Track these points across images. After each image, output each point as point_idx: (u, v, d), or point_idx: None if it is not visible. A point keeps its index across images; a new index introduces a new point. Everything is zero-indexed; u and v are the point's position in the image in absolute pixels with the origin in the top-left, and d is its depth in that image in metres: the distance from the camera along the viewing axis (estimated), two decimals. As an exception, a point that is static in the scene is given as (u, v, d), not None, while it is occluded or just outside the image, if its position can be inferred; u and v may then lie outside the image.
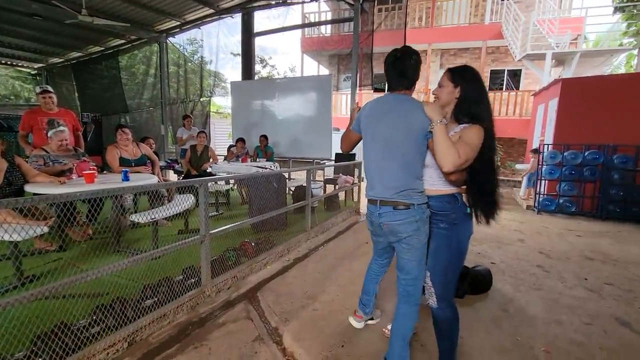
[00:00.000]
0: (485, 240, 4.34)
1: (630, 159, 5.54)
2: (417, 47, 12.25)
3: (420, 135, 1.51)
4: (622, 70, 12.05)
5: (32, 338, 1.65)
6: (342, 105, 12.33)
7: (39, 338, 1.64)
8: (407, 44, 1.67)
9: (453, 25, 11.68)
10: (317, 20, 12.03)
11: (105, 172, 4.34)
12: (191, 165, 5.37)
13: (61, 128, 3.35)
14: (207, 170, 5.28)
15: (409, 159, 1.54)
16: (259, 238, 3.41)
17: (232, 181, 6.00)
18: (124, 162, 3.89)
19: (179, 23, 7.93)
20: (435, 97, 1.63)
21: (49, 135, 3.32)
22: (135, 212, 3.52)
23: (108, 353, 1.76)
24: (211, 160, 5.43)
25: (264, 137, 6.37)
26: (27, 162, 3.17)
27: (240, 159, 5.88)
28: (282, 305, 2.46)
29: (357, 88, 6.36)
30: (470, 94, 1.50)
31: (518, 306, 2.56)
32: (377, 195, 1.63)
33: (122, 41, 8.97)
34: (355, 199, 5.88)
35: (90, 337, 1.77)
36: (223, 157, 6.80)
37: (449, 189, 1.57)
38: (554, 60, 9.50)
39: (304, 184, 4.26)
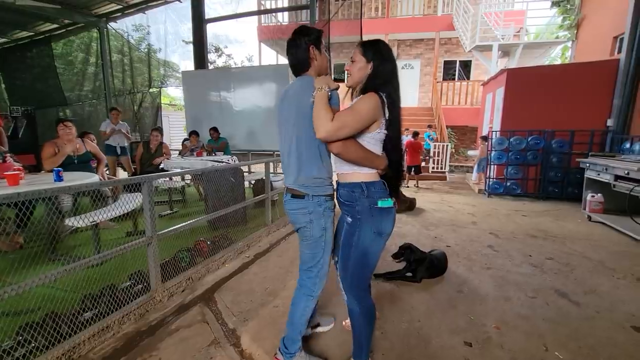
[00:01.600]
0: (441, 224, 4.52)
1: (566, 143, 6.05)
2: (374, 36, 12.44)
3: (310, 111, 1.39)
4: (559, 62, 13.11)
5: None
6: (302, 95, 12.15)
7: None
8: (306, 27, 1.56)
9: (408, 16, 11.92)
10: (273, 7, 11.67)
11: (43, 171, 3.89)
12: (142, 163, 4.99)
13: None
14: (160, 166, 4.95)
15: (303, 140, 1.44)
16: (216, 235, 3.25)
17: (188, 177, 5.69)
18: (65, 159, 3.51)
19: (120, 7, 7.30)
20: (348, 73, 1.50)
21: None
22: (75, 214, 3.19)
23: (39, 376, 1.57)
24: (164, 155, 5.09)
25: (214, 130, 6.09)
26: None
27: (195, 153, 5.58)
28: (241, 304, 2.37)
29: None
30: (382, 72, 1.39)
31: (471, 286, 2.68)
32: (285, 181, 1.60)
33: (55, 26, 8.07)
34: (317, 190, 5.85)
35: (16, 360, 1.56)
36: (178, 152, 6.43)
37: (354, 174, 1.44)
38: (500, 52, 10.06)
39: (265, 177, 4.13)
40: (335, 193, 1.58)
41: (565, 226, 4.47)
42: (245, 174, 5.67)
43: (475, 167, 7.91)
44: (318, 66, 1.54)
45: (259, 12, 9.66)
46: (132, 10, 7.43)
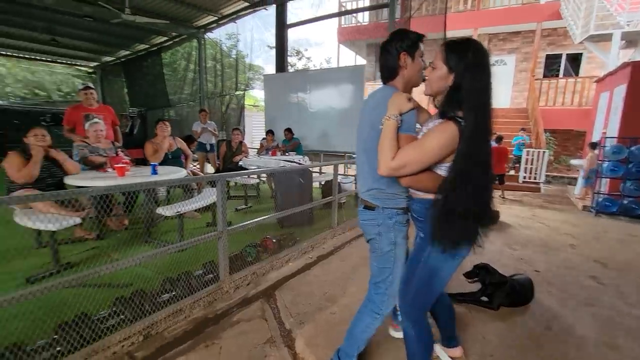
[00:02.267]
0: (530, 244, 3.93)
1: None
2: (461, 32, 11.54)
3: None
4: None
5: (55, 327, 1.73)
6: (378, 96, 11.93)
7: (60, 327, 1.71)
8: (403, 32, 1.43)
9: (503, 6, 10.71)
10: (354, 8, 11.66)
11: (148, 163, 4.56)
12: (224, 160, 5.47)
13: (95, 120, 3.56)
14: (239, 164, 5.36)
15: (374, 154, 1.32)
16: (282, 234, 3.36)
17: (263, 174, 6.04)
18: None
19: (215, 18, 8.10)
20: (426, 79, 1.35)
21: (86, 128, 3.54)
22: (168, 203, 3.66)
23: (123, 345, 1.80)
24: (243, 153, 5.51)
25: (288, 131, 6.33)
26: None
27: (269, 152, 5.90)
28: (299, 306, 2.39)
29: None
30: (467, 87, 1.17)
31: (564, 324, 2.25)
32: (359, 190, 1.58)
33: (165, 38, 9.38)
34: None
35: (109, 328, 1.82)
36: (256, 150, 6.89)
37: (429, 194, 1.32)
38: (623, 42, 8.34)
39: (332, 179, 4.14)
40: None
41: None
42: (315, 174, 5.78)
43: (580, 179, 6.71)
44: (407, 76, 1.40)
45: (339, 14, 9.75)
46: (225, 20, 8.18)
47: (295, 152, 6.05)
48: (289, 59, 8.79)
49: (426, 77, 1.34)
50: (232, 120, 8.90)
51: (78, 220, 2.59)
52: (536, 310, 2.42)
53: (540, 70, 11.03)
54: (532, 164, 8.06)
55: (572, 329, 2.20)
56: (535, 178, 8.05)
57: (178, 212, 2.95)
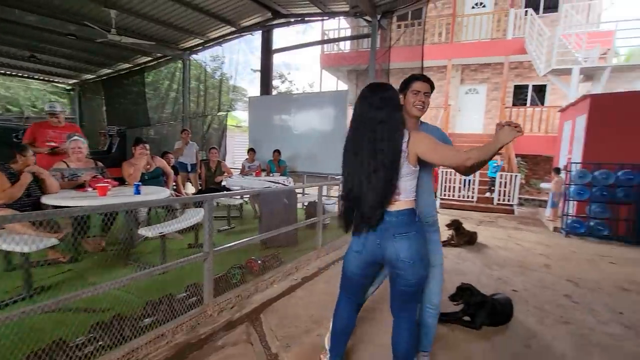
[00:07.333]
0: (507, 264, 4.07)
1: (670, 180, 5.13)
2: (436, 62, 12.16)
3: None
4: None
5: (26, 355, 1.63)
6: (359, 120, 12.30)
7: (31, 355, 1.61)
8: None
9: (474, 40, 11.51)
10: (336, 36, 12.19)
11: (126, 183, 4.45)
12: (206, 181, 5.41)
13: (76, 137, 3.48)
14: (223, 184, 5.31)
15: None
16: (267, 255, 3.34)
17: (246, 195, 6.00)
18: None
19: (201, 41, 8.23)
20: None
21: (66, 145, 3.46)
22: (149, 224, 3.56)
23: (101, 374, 1.71)
24: (225, 174, 5.47)
25: (277, 152, 6.39)
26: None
27: (254, 173, 5.90)
28: (285, 328, 2.36)
29: (374, 103, 6.34)
30: None
31: (543, 342, 2.33)
32: None
33: (149, 58, 9.38)
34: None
35: (87, 356, 1.73)
36: (240, 171, 6.86)
37: None
38: (582, 76, 9.12)
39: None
40: None
41: (669, 281, 3.72)
42: (299, 195, 5.81)
43: (549, 201, 7.10)
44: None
45: (322, 42, 10.17)
46: (211, 43, 8.33)
47: (279, 174, 6.08)
48: (273, 82, 8.99)
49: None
50: (214, 140, 8.88)
51: (55, 242, 2.49)
52: (516, 329, 2.49)
53: (510, 99, 11.78)
54: (505, 187, 8.45)
55: (550, 346, 2.28)
56: (508, 200, 8.41)
57: (160, 233, 2.89)
